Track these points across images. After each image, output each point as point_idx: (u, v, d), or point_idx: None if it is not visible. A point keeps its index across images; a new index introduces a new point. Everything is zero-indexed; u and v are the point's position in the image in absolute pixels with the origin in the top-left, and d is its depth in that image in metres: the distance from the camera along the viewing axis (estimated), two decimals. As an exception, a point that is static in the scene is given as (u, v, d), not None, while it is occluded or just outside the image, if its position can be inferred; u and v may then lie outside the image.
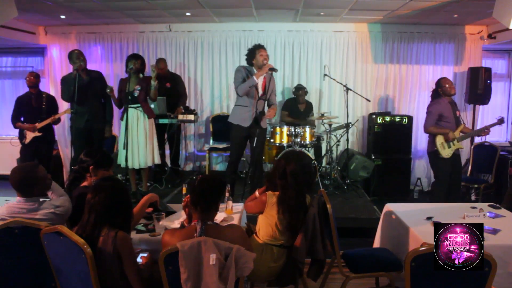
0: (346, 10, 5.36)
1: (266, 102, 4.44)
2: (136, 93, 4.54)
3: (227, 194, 2.94)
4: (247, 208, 2.81)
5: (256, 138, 4.40)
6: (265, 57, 4.26)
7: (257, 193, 2.85)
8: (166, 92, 5.50)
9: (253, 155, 4.48)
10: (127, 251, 2.05)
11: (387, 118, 5.66)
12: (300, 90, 5.78)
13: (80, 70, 4.52)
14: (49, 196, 2.54)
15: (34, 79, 5.00)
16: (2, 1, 4.13)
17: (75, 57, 4.62)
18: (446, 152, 4.28)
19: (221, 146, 6.05)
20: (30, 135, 4.99)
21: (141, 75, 4.70)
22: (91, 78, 4.70)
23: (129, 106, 4.51)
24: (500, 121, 4.31)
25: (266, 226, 2.62)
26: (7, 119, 5.11)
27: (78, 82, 4.45)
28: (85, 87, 4.58)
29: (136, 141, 4.57)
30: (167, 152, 5.90)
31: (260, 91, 4.37)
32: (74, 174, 2.75)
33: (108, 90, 4.52)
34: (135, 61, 4.57)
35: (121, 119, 4.60)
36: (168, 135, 5.75)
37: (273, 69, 4.21)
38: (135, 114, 4.57)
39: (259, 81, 4.34)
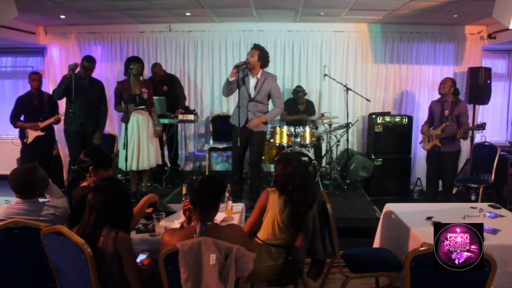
0: (346, 10, 5.36)
1: (263, 104, 4.36)
2: (145, 96, 4.59)
3: (227, 194, 2.94)
4: (248, 222, 2.71)
5: (251, 141, 4.40)
6: (249, 56, 4.25)
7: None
8: (164, 95, 5.50)
9: (250, 158, 4.51)
10: (127, 252, 2.05)
11: (387, 118, 5.66)
12: (299, 92, 5.76)
13: (76, 71, 4.47)
14: (47, 197, 2.54)
15: (40, 80, 5.08)
16: (2, 1, 4.13)
17: (86, 63, 4.63)
18: (425, 145, 4.74)
19: (221, 146, 6.05)
20: (32, 135, 5.00)
21: (141, 78, 4.74)
22: (92, 84, 4.75)
23: (136, 108, 4.55)
24: (479, 126, 4.37)
25: (266, 224, 2.62)
26: (7, 119, 5.12)
27: (76, 84, 4.43)
28: (84, 91, 4.63)
29: (143, 143, 4.61)
30: (166, 152, 5.90)
31: (251, 92, 4.32)
32: (74, 174, 2.74)
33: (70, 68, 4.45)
34: (138, 64, 4.60)
35: (123, 120, 4.60)
36: (169, 135, 5.75)
37: (236, 66, 4.14)
38: (143, 115, 4.62)
39: (252, 82, 4.31)
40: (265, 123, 4.36)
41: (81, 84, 4.58)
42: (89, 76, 4.73)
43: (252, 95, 4.30)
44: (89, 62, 4.66)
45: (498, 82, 6.51)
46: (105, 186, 2.14)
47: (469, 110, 6.07)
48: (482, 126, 4.34)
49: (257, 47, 4.28)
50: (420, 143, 4.89)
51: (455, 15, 5.46)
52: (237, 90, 4.31)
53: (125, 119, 4.40)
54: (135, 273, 2.07)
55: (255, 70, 4.29)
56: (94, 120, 4.80)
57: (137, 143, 4.56)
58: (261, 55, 4.25)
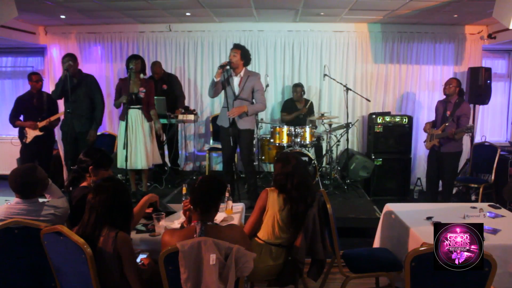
0: (346, 10, 5.36)
1: (249, 102, 4.38)
2: (142, 95, 4.56)
3: (227, 194, 2.94)
4: (249, 223, 2.72)
5: (239, 140, 4.42)
6: (231, 56, 4.29)
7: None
8: (163, 94, 5.50)
9: (241, 157, 4.55)
10: (127, 252, 2.05)
11: (387, 118, 5.66)
12: (297, 87, 5.81)
13: (70, 70, 4.38)
14: (46, 197, 2.54)
15: (41, 82, 5.07)
16: (2, 1, 4.13)
17: (65, 59, 4.46)
18: (427, 144, 4.80)
19: (220, 146, 6.03)
20: (31, 135, 4.99)
21: (142, 75, 4.72)
22: (80, 80, 4.60)
23: (132, 106, 4.52)
24: (468, 129, 4.43)
25: (266, 224, 2.62)
26: (7, 119, 5.12)
27: (68, 83, 4.37)
28: (72, 88, 4.48)
29: (136, 142, 4.57)
30: (166, 152, 5.90)
31: (236, 90, 4.35)
32: (73, 174, 2.74)
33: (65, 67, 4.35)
34: (135, 61, 4.58)
35: (121, 119, 4.60)
36: (169, 135, 5.75)
37: (221, 66, 4.17)
38: (138, 114, 4.60)
39: (236, 80, 4.36)
40: (246, 113, 4.34)
41: (70, 84, 4.43)
42: (76, 73, 4.55)
43: (237, 93, 4.36)
44: (65, 57, 4.42)
45: (498, 82, 6.51)
46: (105, 186, 2.14)
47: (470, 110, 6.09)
48: (469, 129, 4.40)
49: (237, 47, 4.35)
50: (424, 141, 4.92)
51: (455, 15, 5.46)
52: (224, 92, 4.35)
53: (123, 116, 4.39)
54: (135, 273, 2.07)
55: (238, 69, 4.35)
56: (83, 119, 4.62)
57: (130, 142, 4.49)
58: (243, 54, 4.32)
